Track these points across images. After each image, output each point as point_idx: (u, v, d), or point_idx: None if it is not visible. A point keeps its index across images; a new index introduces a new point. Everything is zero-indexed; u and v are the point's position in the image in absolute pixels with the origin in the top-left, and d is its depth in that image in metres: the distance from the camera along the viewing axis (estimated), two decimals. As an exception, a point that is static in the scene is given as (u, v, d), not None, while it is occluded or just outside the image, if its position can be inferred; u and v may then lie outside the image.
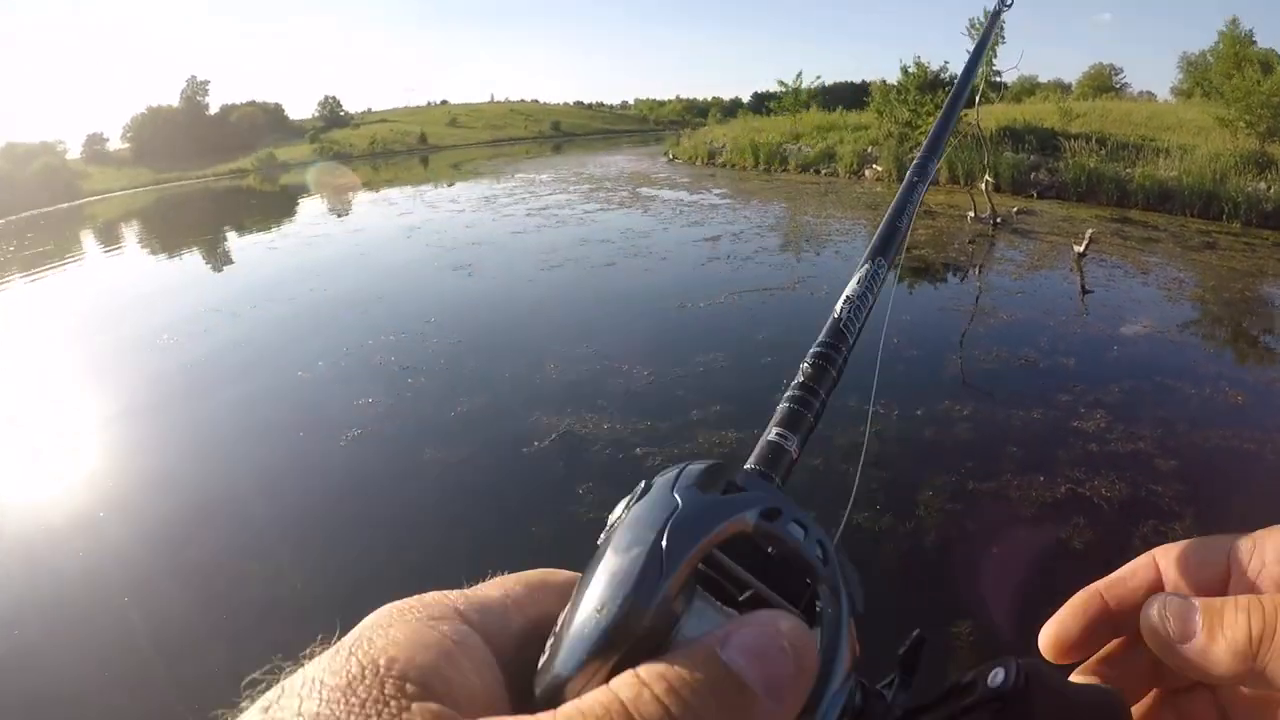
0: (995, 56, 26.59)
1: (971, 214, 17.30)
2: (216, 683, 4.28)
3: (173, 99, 76.68)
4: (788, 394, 0.60)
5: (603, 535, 0.40)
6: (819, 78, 35.42)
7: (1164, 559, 0.54)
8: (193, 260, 19.45)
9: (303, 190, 38.68)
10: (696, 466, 0.42)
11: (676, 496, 0.40)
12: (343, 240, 20.02)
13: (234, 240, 22.55)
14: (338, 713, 0.30)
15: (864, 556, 5.18)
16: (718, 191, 24.99)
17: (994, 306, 10.90)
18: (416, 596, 0.39)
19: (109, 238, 28.86)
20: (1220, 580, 0.51)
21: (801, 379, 0.62)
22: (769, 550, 0.41)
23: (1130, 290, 12.26)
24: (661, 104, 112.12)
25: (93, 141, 76.89)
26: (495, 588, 0.42)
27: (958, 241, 15.94)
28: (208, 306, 13.03)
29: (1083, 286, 12.21)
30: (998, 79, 28.55)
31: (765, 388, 7.82)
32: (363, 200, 31.55)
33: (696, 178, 29.58)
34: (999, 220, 17.11)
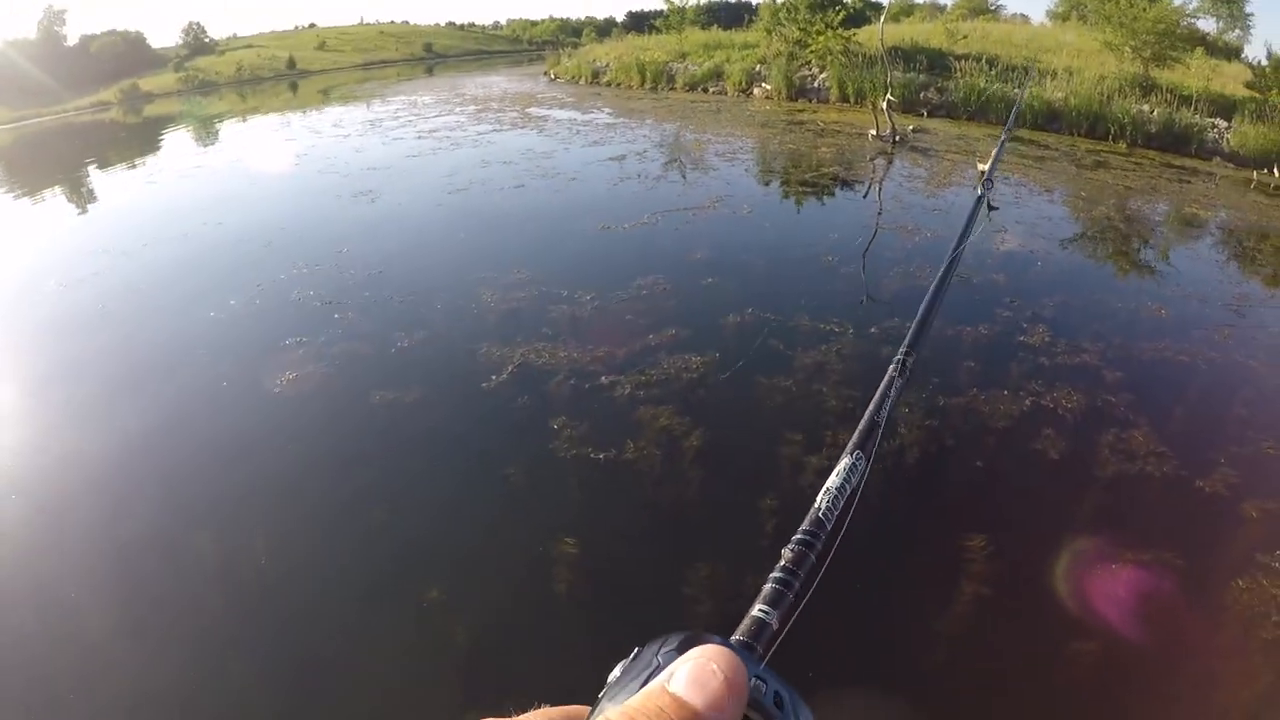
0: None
1: (873, 132, 17.40)
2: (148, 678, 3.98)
3: (29, 32, 71.48)
4: (772, 575, 0.67)
5: (602, 692, 0.50)
6: (707, -7, 34.90)
7: None
8: (66, 200, 17.77)
9: (170, 120, 36.54)
10: (680, 635, 0.51)
11: (658, 659, 0.49)
12: (226, 171, 18.64)
13: (108, 176, 20.80)
14: None
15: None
16: (608, 111, 24.49)
17: (915, 224, 10.93)
18: None
19: None
20: None
21: (784, 562, 0.69)
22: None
23: (1039, 208, 12.53)
24: (535, 24, 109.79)
25: (-60, 79, 70.29)
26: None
27: (861, 159, 15.99)
28: (94, 248, 11.90)
29: (989, 203, 12.36)
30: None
31: (713, 309, 7.71)
32: (238, 128, 29.90)
33: (583, 97, 28.91)
34: (898, 138, 17.25)
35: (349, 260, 9.91)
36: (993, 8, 47.18)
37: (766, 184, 13.96)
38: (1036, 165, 15.82)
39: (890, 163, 15.77)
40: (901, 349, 1.03)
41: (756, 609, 0.63)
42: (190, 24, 77.22)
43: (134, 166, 21.92)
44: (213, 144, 25.83)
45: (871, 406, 0.91)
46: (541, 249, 9.94)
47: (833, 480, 0.79)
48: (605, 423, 5.75)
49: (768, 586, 0.66)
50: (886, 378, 0.98)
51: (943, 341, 7.17)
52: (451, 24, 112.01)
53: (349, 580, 4.48)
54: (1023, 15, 51.87)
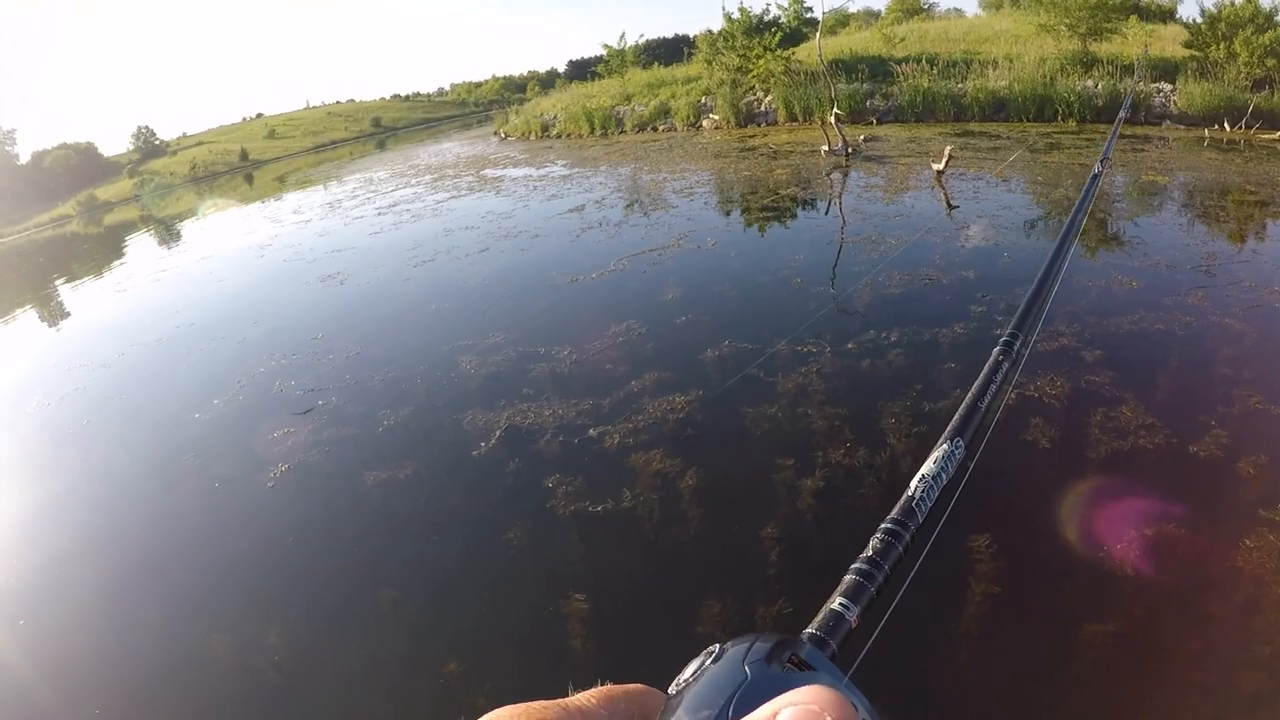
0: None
1: (825, 148, 17.56)
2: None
3: None
4: (854, 565, 0.65)
5: (672, 688, 0.47)
6: (642, 35, 35.32)
7: None
8: (37, 318, 17.81)
9: (129, 227, 36.55)
10: (766, 642, 0.48)
11: (746, 669, 0.45)
12: (193, 270, 18.54)
13: (77, 290, 20.67)
14: None
15: (847, 503, 5.12)
16: (562, 163, 24.58)
17: (878, 233, 11.01)
18: (521, 706, 0.46)
19: None
20: None
21: (869, 552, 0.66)
22: None
23: (998, 199, 12.67)
24: (478, 85, 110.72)
25: (-101, 209, 70.24)
26: (595, 698, 0.48)
27: (818, 176, 16.14)
28: (71, 363, 11.86)
29: (948, 201, 12.52)
30: (811, 14, 29.01)
31: (690, 347, 7.73)
32: (198, 226, 29.85)
33: (535, 152, 29.07)
34: (850, 150, 17.41)
35: (325, 346, 9.88)
36: (925, 6, 47.90)
37: (728, 214, 14.05)
38: (990, 156, 16.00)
39: (846, 175, 15.91)
40: (1008, 330, 0.99)
41: (836, 602, 0.61)
42: (139, 128, 77.56)
43: (101, 276, 21.89)
44: (177, 245, 25.85)
45: (973, 392, 0.90)
46: (513, 310, 9.91)
47: (928, 467, 0.78)
48: (599, 474, 5.74)
49: (848, 578, 0.63)
50: (991, 361, 0.95)
51: (921, 345, 7.23)
52: (396, 95, 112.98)
53: (366, 661, 4.45)
54: (957, 10, 52.48)
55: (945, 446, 0.80)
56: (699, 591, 4.45)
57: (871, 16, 45.02)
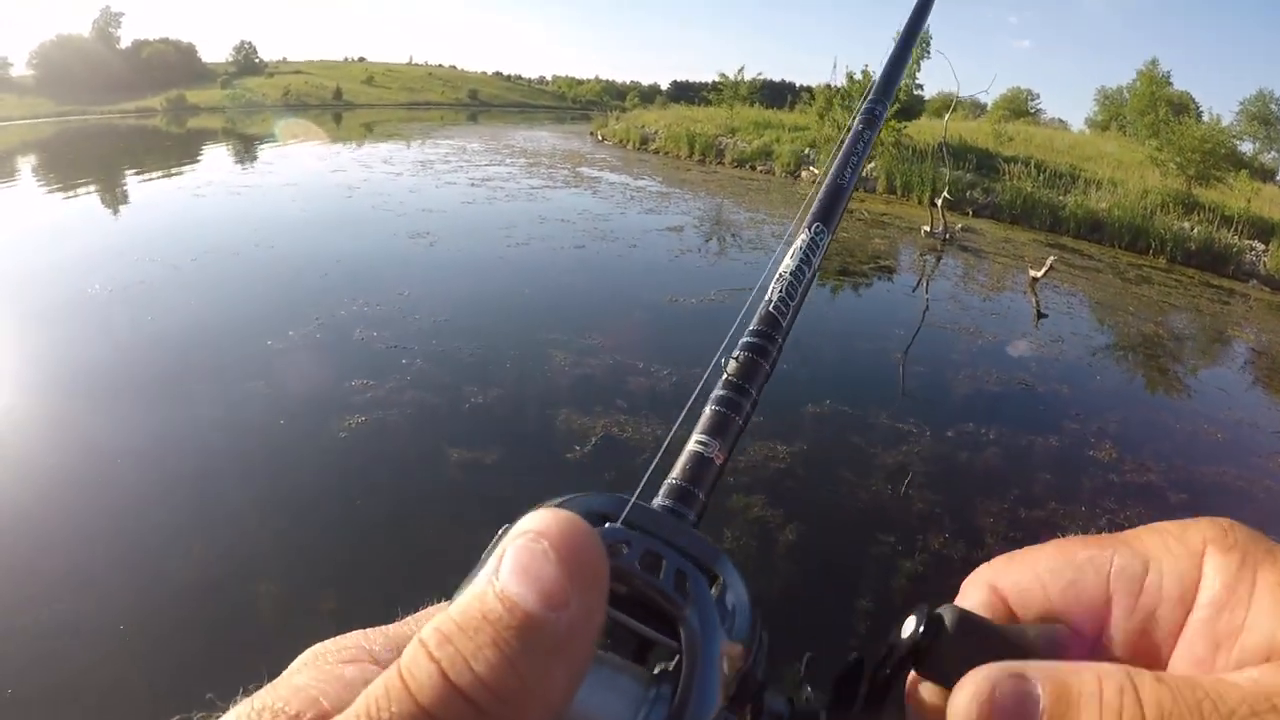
0: (919, 69, 27.20)
1: (926, 228, 17.58)
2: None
3: (84, 28, 72.79)
4: (714, 393, 0.55)
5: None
6: (761, 74, 35.34)
7: (1006, 579, 0.43)
8: (111, 202, 17.76)
9: (212, 135, 37.04)
10: (573, 507, 0.40)
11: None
12: (277, 194, 18.75)
13: (153, 184, 20.71)
14: None
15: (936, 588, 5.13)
16: (659, 179, 24.65)
17: (976, 326, 11.01)
18: (335, 639, 0.39)
19: (9, 169, 27.01)
20: (1096, 612, 0.39)
21: (729, 375, 0.57)
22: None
23: (1091, 320, 12.71)
24: (580, 83, 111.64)
25: (-6, 64, 71.64)
26: (420, 622, 0.41)
27: (913, 254, 16.34)
28: (140, 255, 11.72)
29: (1039, 310, 12.53)
30: (919, 92, 29.07)
31: (791, 398, 7.71)
32: (284, 153, 30.22)
33: (630, 162, 29.18)
34: (948, 236, 17.44)
35: (412, 304, 9.81)
36: (1032, 111, 48.02)
37: (827, 270, 14.10)
38: (1083, 276, 15.98)
39: (939, 260, 15.96)
40: (866, 101, 0.80)
41: (694, 441, 0.53)
42: (242, 42, 78.86)
43: (179, 177, 22.05)
44: (259, 164, 26.14)
45: (834, 170, 0.72)
46: (611, 315, 9.96)
47: (786, 263, 0.64)
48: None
49: (709, 410, 0.54)
50: (852, 133, 0.76)
51: (1018, 449, 7.24)
52: (499, 74, 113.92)
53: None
54: (1061, 120, 52.70)
55: (805, 235, 0.66)
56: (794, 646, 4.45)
57: (978, 108, 45.14)
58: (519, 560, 0.31)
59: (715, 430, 0.53)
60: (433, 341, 8.64)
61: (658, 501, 0.49)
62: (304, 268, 11.49)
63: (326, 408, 6.90)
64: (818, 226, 0.66)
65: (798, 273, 0.63)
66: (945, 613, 0.40)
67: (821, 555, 5.38)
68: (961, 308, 12.11)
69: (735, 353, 0.58)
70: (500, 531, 0.37)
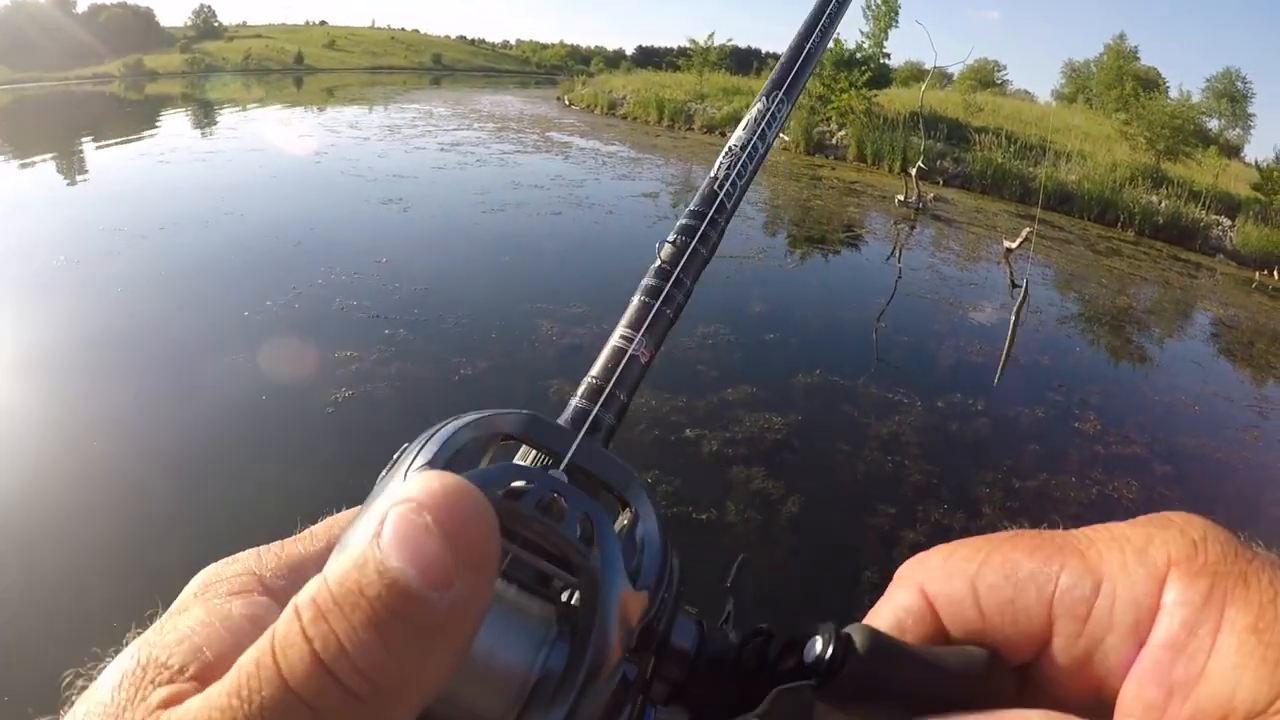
0: (885, 38, 27.24)
1: (900, 197, 17.63)
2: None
3: None
4: (643, 282, 0.51)
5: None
6: (730, 40, 35.19)
7: (937, 586, 0.39)
8: (71, 171, 17.21)
9: (171, 101, 36.26)
10: (447, 431, 0.38)
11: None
12: (243, 160, 18.20)
13: (115, 151, 20.05)
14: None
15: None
16: (630, 145, 24.47)
17: (955, 296, 11.11)
18: (227, 560, 0.38)
19: None
20: (1035, 637, 0.36)
21: (661, 262, 0.52)
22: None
23: (1067, 292, 12.88)
24: (545, 47, 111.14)
25: (-53, 32, 69.70)
26: (316, 538, 0.40)
27: (888, 224, 16.49)
28: (105, 225, 11.28)
29: (1012, 280, 12.62)
30: (886, 61, 29.06)
31: (781, 367, 7.74)
32: (249, 117, 29.69)
33: (599, 127, 28.97)
34: (922, 205, 17.51)
35: (390, 273, 9.59)
36: (999, 82, 48.27)
37: (805, 239, 14.07)
38: (1055, 247, 16.11)
39: (913, 229, 16.08)
40: None
41: (617, 336, 0.50)
42: (202, 5, 77.47)
43: (140, 143, 21.52)
44: (224, 130, 25.57)
45: (797, 35, 0.64)
46: (595, 284, 9.79)
47: (739, 135, 0.58)
48: (699, 480, 5.73)
49: (636, 301, 0.50)
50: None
51: (1006, 420, 7.31)
52: (463, 38, 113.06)
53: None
54: (1027, 91, 53.07)
55: (761, 105, 0.58)
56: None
57: (946, 77, 45.29)
58: (400, 531, 0.28)
59: (639, 323, 0.49)
60: (415, 311, 8.47)
61: (574, 403, 0.46)
62: (277, 236, 11.20)
63: (311, 381, 6.70)
64: (776, 96, 0.60)
65: (750, 147, 0.57)
66: (855, 633, 0.38)
67: (823, 528, 5.40)
68: (940, 278, 12.16)
69: (670, 236, 0.54)
70: (398, 454, 0.37)
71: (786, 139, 26.21)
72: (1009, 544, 0.38)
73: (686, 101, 30.96)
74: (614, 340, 0.49)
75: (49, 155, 19.25)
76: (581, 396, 0.47)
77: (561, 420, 0.45)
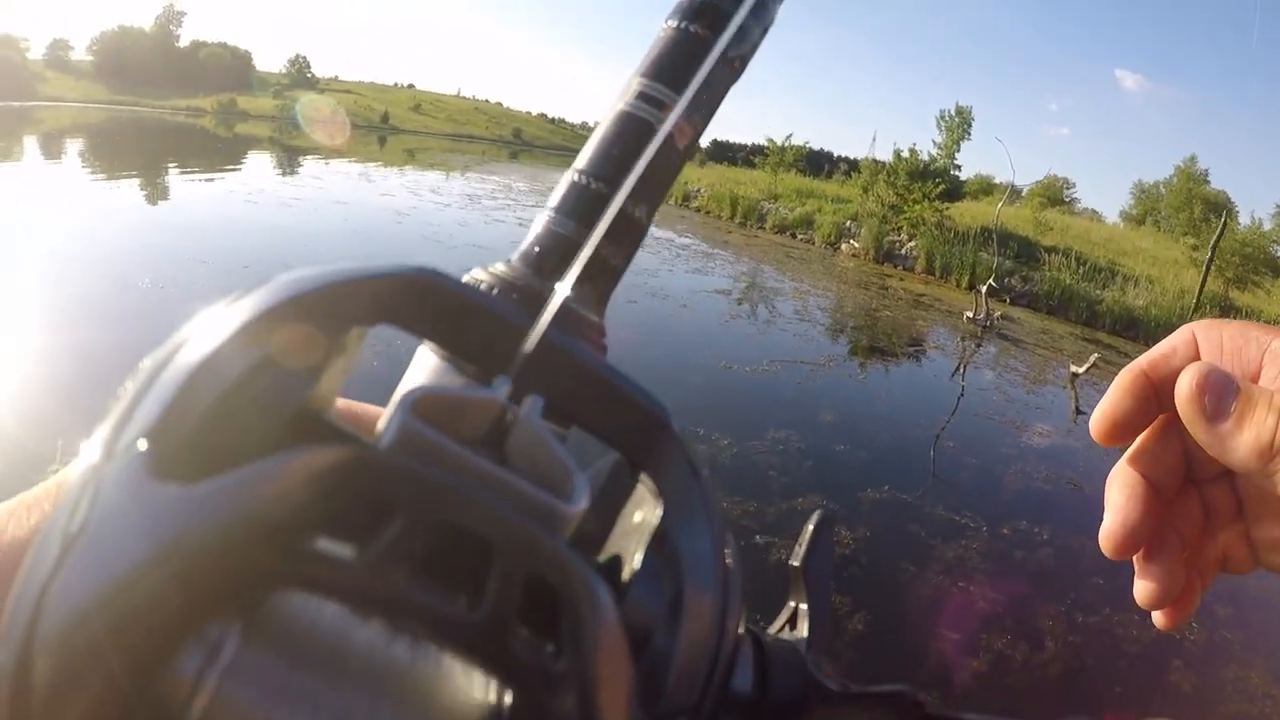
0: (958, 149, 27.48)
1: (969, 314, 17.71)
2: None
3: (146, 22, 75.32)
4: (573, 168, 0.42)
5: None
6: (807, 142, 35.68)
7: (1204, 336, 0.54)
8: (161, 196, 18.15)
9: (257, 142, 37.43)
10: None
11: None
12: (327, 210, 19.03)
13: (202, 184, 20.93)
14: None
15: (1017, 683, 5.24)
16: (702, 239, 24.83)
17: (1022, 419, 11.16)
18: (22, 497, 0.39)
19: (60, 149, 27.20)
20: (1250, 376, 0.52)
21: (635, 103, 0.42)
22: None
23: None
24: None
25: (57, 46, 74.63)
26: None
27: (957, 339, 16.62)
28: (190, 255, 11.64)
29: (1077, 407, 12.63)
30: (956, 173, 29.21)
31: (850, 480, 7.84)
32: (329, 169, 30.60)
33: (673, 218, 29.16)
34: (989, 324, 17.58)
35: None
36: (1067, 199, 48.22)
37: (874, 349, 14.14)
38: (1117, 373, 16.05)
39: (979, 347, 16.18)
40: None
41: (546, 217, 0.41)
42: (297, 55, 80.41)
43: (227, 180, 22.21)
44: (308, 178, 26.51)
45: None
46: (667, 375, 10.00)
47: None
48: (767, 591, 5.80)
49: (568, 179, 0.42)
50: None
51: (1070, 551, 7.34)
52: (543, 115, 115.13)
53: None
54: (1094, 210, 53.03)
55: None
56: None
57: (1015, 193, 45.41)
58: None
59: (582, 214, 0.41)
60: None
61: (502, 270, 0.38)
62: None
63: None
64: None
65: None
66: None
67: (888, 649, 5.49)
68: (1006, 399, 12.21)
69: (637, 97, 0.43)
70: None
71: (857, 245, 26.41)
72: (1256, 328, 0.53)
73: (760, 200, 31.41)
74: (540, 226, 0.40)
75: (141, 178, 19.97)
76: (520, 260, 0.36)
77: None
